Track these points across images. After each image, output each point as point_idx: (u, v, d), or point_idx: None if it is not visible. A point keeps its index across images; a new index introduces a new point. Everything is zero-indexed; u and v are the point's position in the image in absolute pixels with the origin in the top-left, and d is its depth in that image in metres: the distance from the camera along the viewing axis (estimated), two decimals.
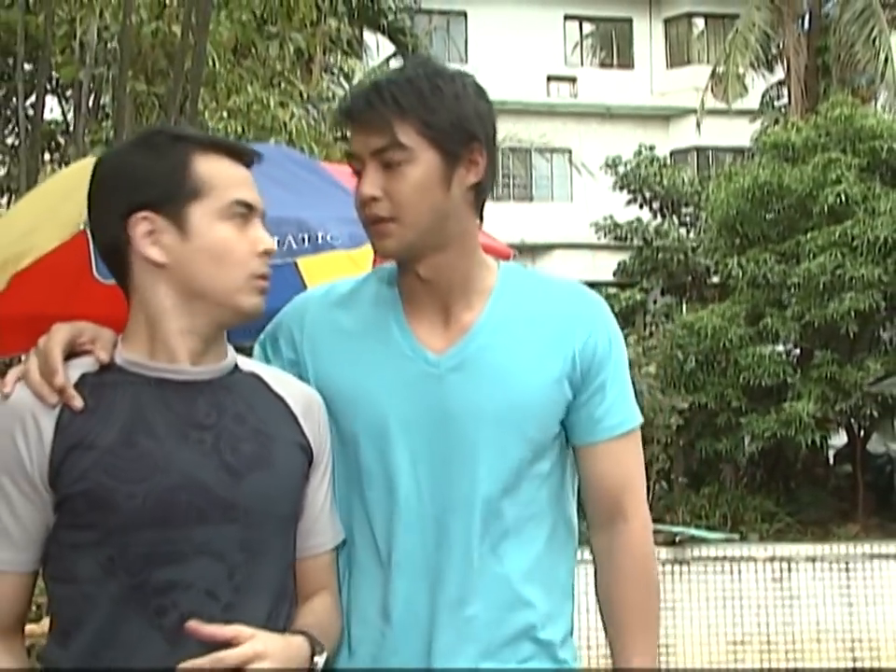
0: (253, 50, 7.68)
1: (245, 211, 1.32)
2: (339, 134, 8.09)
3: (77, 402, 1.25)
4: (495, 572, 1.44)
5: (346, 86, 9.36)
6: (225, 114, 6.50)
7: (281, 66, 7.82)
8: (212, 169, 1.31)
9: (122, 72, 5.99)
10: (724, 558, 9.57)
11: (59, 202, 2.65)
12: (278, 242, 2.44)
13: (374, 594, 1.44)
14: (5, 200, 8.68)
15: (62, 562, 1.27)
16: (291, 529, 1.38)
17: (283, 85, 7.74)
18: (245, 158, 1.36)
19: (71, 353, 1.31)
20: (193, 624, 1.20)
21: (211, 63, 6.29)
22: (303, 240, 2.60)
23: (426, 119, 1.38)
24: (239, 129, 6.55)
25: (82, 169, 3.07)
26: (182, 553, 1.25)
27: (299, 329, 1.51)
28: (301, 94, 7.94)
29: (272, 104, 6.75)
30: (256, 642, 1.21)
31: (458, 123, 1.39)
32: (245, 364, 1.41)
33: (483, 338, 1.45)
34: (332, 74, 9.70)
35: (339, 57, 9.64)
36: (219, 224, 1.30)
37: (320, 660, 1.31)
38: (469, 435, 1.42)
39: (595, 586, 1.53)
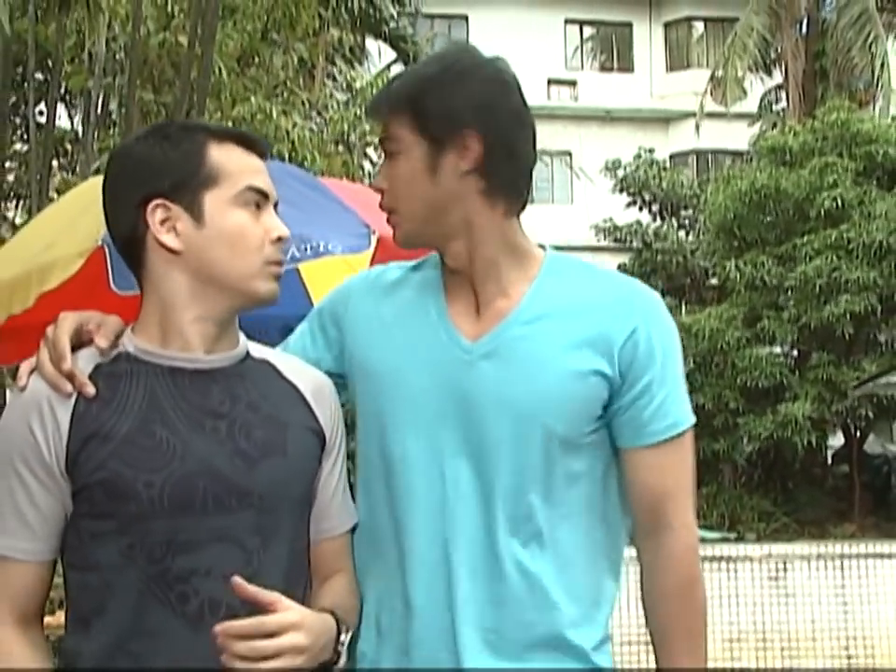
0: (257, 59, 7.81)
1: (259, 198, 1.32)
2: (340, 143, 8.23)
3: (90, 389, 1.27)
4: (523, 572, 1.38)
5: (347, 94, 9.48)
6: (230, 123, 6.65)
7: (284, 75, 7.96)
8: (225, 157, 1.32)
9: (130, 81, 6.15)
10: (721, 557, 9.67)
11: (77, 215, 2.76)
12: (285, 258, 2.59)
13: (396, 581, 1.41)
14: (14, 205, 8.83)
15: (81, 551, 1.28)
16: (305, 513, 1.38)
17: (286, 95, 7.88)
18: (258, 148, 1.37)
19: (83, 342, 1.33)
20: (238, 581, 1.20)
21: (217, 72, 6.42)
22: (305, 249, 2.75)
23: (415, 109, 1.37)
24: None
25: (99, 184, 3.20)
26: (200, 540, 1.26)
27: (343, 305, 1.52)
28: (303, 103, 8.07)
29: (274, 113, 6.88)
30: (294, 612, 1.22)
31: (447, 111, 1.36)
32: (257, 351, 1.41)
33: (517, 327, 1.40)
34: (334, 81, 9.81)
35: (341, 66, 9.74)
36: (234, 210, 1.30)
37: (346, 638, 1.33)
38: (493, 425, 1.37)
39: (641, 590, 1.46)
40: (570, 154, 18.52)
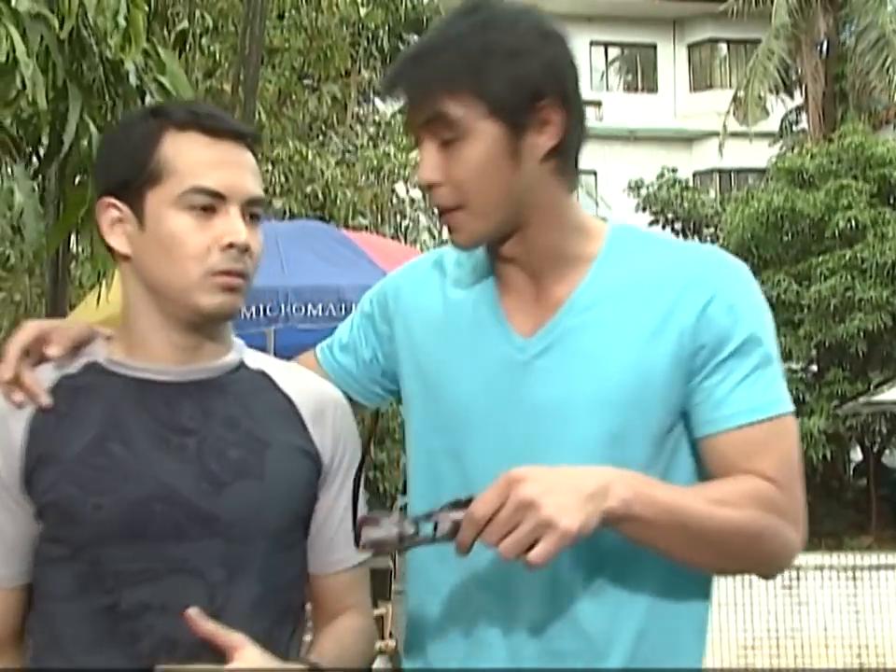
0: (293, 97, 8.31)
1: (210, 200, 1.14)
2: (371, 174, 8.69)
3: (42, 399, 1.14)
4: (590, 607, 1.18)
5: (376, 128, 9.89)
6: (269, 164, 7.15)
7: (318, 114, 8.43)
8: (178, 150, 1.14)
9: None
10: None
11: None
12: (321, 309, 3.08)
13: (449, 603, 1.24)
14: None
15: (38, 577, 1.16)
16: (292, 545, 1.21)
17: (320, 136, 8.35)
18: (233, 133, 1.17)
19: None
20: (193, 615, 1.07)
21: (257, 115, 6.92)
22: (341, 308, 3.25)
23: (476, 86, 1.14)
24: (282, 178, 7.19)
25: None
26: (156, 570, 1.11)
27: (394, 299, 1.36)
28: (336, 144, 8.53)
29: (310, 156, 7.36)
30: (251, 659, 1.07)
31: (518, 84, 1.14)
32: (255, 360, 1.25)
33: (574, 316, 1.21)
34: (362, 124, 10.17)
35: (373, 103, 10.16)
36: (175, 214, 1.14)
37: None
38: (552, 432, 1.18)
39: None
40: (595, 173, 18.92)
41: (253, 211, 1.18)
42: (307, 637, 1.27)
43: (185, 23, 4.87)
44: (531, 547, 1.02)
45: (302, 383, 1.26)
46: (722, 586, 10.09)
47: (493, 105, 1.15)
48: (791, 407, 1.21)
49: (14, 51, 2.18)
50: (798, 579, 10.26)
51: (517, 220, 1.21)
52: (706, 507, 1.12)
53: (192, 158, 1.15)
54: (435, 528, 1.06)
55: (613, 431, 1.18)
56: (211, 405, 1.18)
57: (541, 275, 1.24)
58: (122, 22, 2.30)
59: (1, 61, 2.16)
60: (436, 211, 1.26)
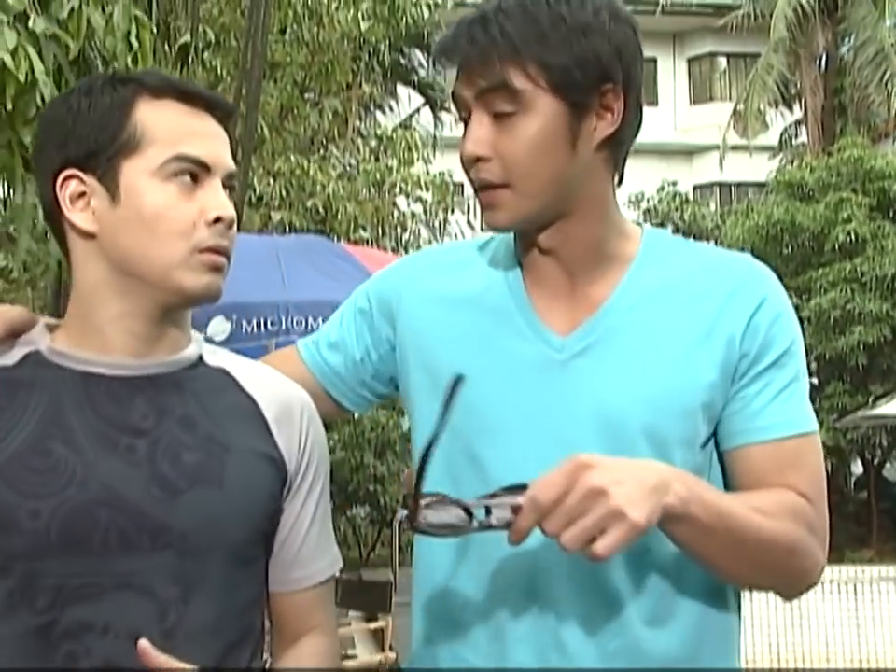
0: (295, 111, 8.37)
1: (194, 168, 1.05)
2: (373, 188, 8.75)
3: None
4: (631, 608, 1.12)
5: (377, 142, 9.98)
6: (271, 178, 7.20)
7: (319, 128, 8.49)
8: (155, 117, 1.05)
9: None
10: None
11: None
12: (322, 322, 3.12)
13: (468, 600, 1.17)
14: None
15: None
16: (252, 558, 1.10)
17: (321, 150, 8.42)
18: (210, 105, 1.09)
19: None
20: (145, 647, 0.96)
21: (259, 129, 6.98)
22: None
23: (544, 58, 1.09)
24: (284, 192, 7.23)
25: None
26: (99, 586, 1.00)
27: (396, 295, 1.26)
28: (337, 159, 8.60)
29: (311, 170, 7.41)
30: None
31: (587, 62, 1.09)
32: (214, 357, 1.14)
33: (616, 316, 1.16)
34: (363, 138, 10.26)
35: (374, 116, 10.25)
36: (157, 185, 1.04)
37: None
38: (592, 438, 1.12)
39: None
40: None
41: (231, 184, 1.10)
42: (266, 658, 1.16)
43: (187, 37, 4.91)
44: (594, 538, 0.96)
45: (267, 382, 1.16)
46: None
47: (558, 80, 1.10)
48: (817, 425, 1.19)
49: (33, 71, 2.22)
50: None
51: (562, 208, 1.15)
52: (751, 514, 1.09)
53: (174, 124, 1.06)
54: (488, 514, 0.99)
55: (656, 437, 1.13)
56: (166, 403, 1.08)
57: (579, 272, 1.18)
58: (135, 43, 2.34)
59: (21, 80, 2.20)
60: (475, 189, 1.17)
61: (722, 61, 20.25)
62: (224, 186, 1.08)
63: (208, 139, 1.07)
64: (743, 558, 1.10)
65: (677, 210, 15.76)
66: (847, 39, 16.29)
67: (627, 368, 1.14)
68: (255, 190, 7.56)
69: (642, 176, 17.99)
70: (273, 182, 7.18)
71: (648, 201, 15.90)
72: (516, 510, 0.97)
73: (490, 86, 1.11)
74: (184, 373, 1.10)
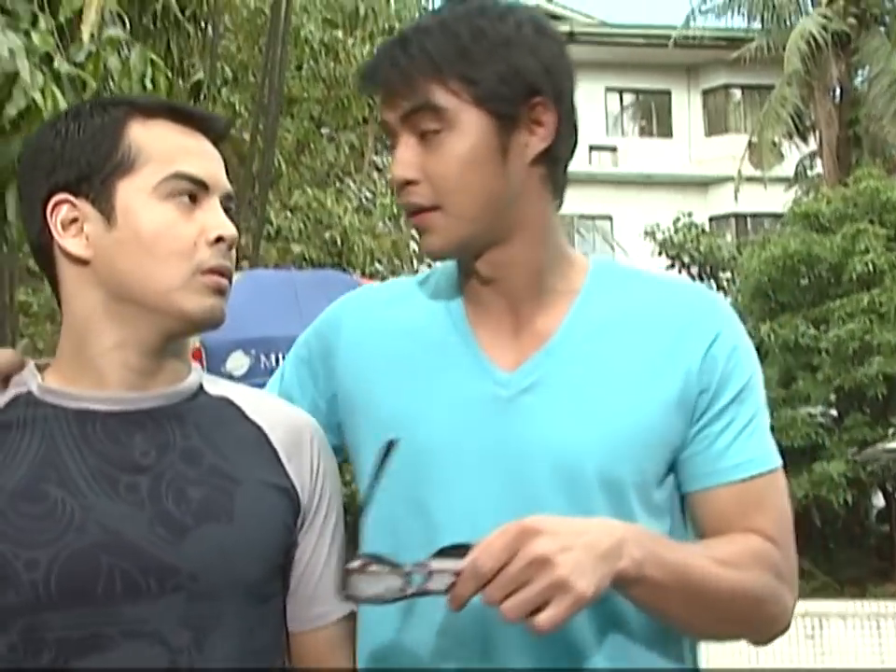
0: (312, 146, 8.47)
1: (192, 188, 1.01)
2: (390, 221, 8.82)
3: None
4: (584, 664, 1.06)
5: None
6: (288, 211, 7.27)
7: (336, 162, 8.58)
8: (151, 136, 1.02)
9: None
10: None
11: None
12: None
13: (418, 662, 1.09)
14: None
15: None
16: (268, 597, 1.04)
17: (337, 184, 8.49)
18: (204, 125, 1.06)
19: None
20: None
21: (276, 163, 7.06)
22: None
23: (466, 73, 1.05)
24: (301, 225, 7.30)
25: None
26: (107, 636, 0.94)
27: (335, 334, 1.19)
28: (354, 193, 8.67)
29: (327, 203, 7.48)
30: None
31: (511, 74, 1.06)
32: (215, 386, 1.09)
33: (564, 350, 1.10)
34: (380, 171, 10.35)
35: (388, 155, 10.36)
36: (155, 204, 1.00)
37: None
38: (544, 480, 1.05)
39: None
40: (611, 218, 19.06)
41: (228, 206, 1.06)
42: None
43: (200, 74, 5.00)
44: (538, 608, 0.91)
45: (273, 409, 1.11)
46: None
47: (483, 94, 1.06)
48: (780, 461, 1.14)
49: (56, 109, 2.28)
50: (821, 627, 10.14)
51: (499, 231, 1.10)
52: (713, 568, 1.04)
53: (169, 143, 1.02)
54: (427, 579, 0.93)
55: (611, 478, 1.06)
56: (167, 437, 1.02)
57: (523, 302, 1.13)
58: (149, 85, 2.38)
59: (46, 118, 2.26)
60: (407, 214, 1.13)
61: (737, 93, 20.34)
62: (222, 207, 1.05)
63: (205, 158, 1.04)
64: (706, 613, 1.05)
65: (692, 242, 15.77)
66: (860, 71, 16.35)
67: (578, 405, 1.08)
68: (272, 224, 7.65)
69: (657, 208, 18.09)
70: (291, 216, 7.25)
71: (664, 232, 15.91)
72: (458, 574, 0.93)
73: (414, 106, 1.07)
74: (185, 405, 1.05)
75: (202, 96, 4.91)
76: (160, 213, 1.00)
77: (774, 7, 16.43)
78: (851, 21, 15.84)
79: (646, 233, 16.01)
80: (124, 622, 0.95)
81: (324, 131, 8.45)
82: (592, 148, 19.86)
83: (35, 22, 2.57)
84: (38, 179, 1.03)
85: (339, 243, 7.32)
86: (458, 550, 0.94)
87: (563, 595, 0.91)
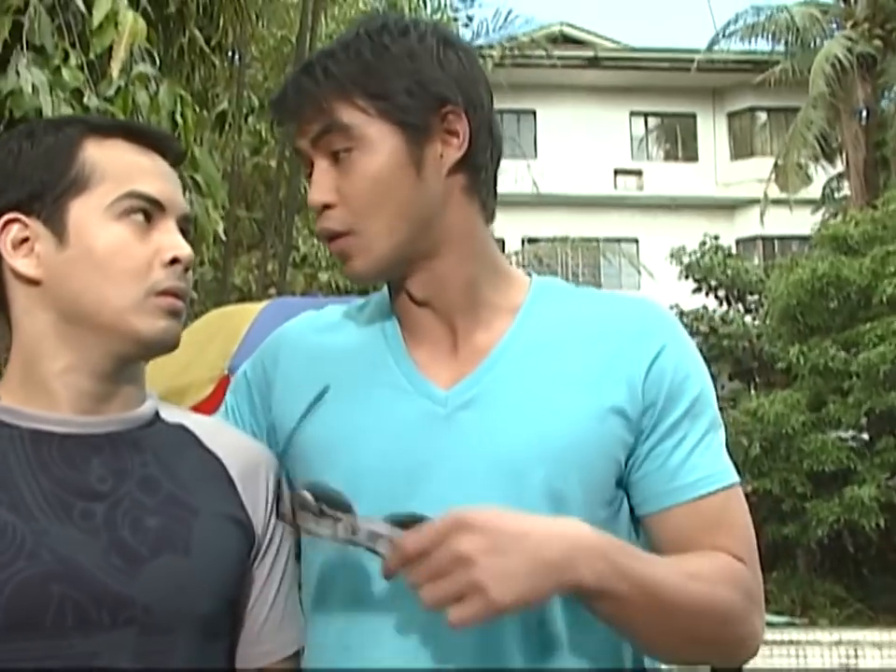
0: None
1: (147, 207, 0.99)
2: None
3: None
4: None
5: None
6: (315, 240, 7.31)
7: None
8: (106, 155, 1.00)
9: (230, 200, 6.89)
10: (790, 642, 9.79)
11: (206, 342, 3.08)
12: None
13: None
14: None
15: None
16: (221, 633, 1.02)
17: None
18: (160, 146, 1.04)
19: None
20: None
21: (302, 189, 7.12)
22: None
23: (370, 88, 1.05)
24: (328, 252, 7.33)
25: (224, 314, 3.66)
26: (55, 670, 0.91)
27: (273, 363, 1.17)
28: None
29: None
30: None
31: (416, 85, 1.05)
32: (171, 413, 1.07)
33: (504, 366, 1.08)
34: None
35: None
36: (109, 223, 0.98)
37: None
38: (483, 491, 1.02)
39: None
40: (637, 241, 19.01)
41: (185, 227, 1.04)
42: None
43: (224, 104, 5.07)
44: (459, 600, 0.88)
45: (230, 439, 1.09)
46: (777, 663, 9.84)
47: (390, 108, 1.05)
48: (737, 477, 1.10)
49: None
50: (856, 657, 9.97)
51: (424, 246, 1.07)
52: (685, 582, 0.99)
53: (124, 161, 1.01)
54: (371, 539, 0.93)
55: (552, 492, 1.03)
56: (124, 464, 0.99)
57: (458, 320, 1.10)
58: (179, 121, 2.41)
59: None
60: (325, 242, 1.12)
61: (762, 115, 20.29)
62: (179, 228, 1.03)
63: (161, 178, 1.03)
64: (675, 631, 1.00)
65: (719, 265, 15.70)
66: (886, 92, 16.26)
67: (517, 418, 1.05)
68: (298, 250, 7.68)
69: (683, 231, 18.04)
70: (318, 242, 7.29)
71: (690, 255, 15.86)
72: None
73: (322, 128, 1.06)
74: (141, 431, 1.02)
75: (226, 126, 4.97)
76: (113, 232, 0.99)
77: (798, 29, 16.39)
78: (877, 42, 15.77)
79: (672, 257, 15.96)
80: (74, 655, 0.91)
81: None
82: (617, 172, 19.88)
83: (66, 58, 2.63)
84: None
85: None
86: (413, 521, 0.93)
87: (476, 598, 0.88)
